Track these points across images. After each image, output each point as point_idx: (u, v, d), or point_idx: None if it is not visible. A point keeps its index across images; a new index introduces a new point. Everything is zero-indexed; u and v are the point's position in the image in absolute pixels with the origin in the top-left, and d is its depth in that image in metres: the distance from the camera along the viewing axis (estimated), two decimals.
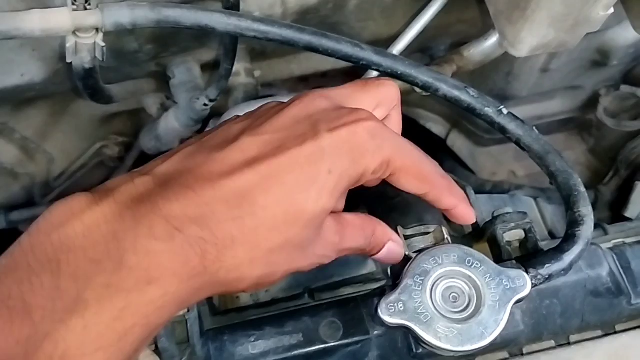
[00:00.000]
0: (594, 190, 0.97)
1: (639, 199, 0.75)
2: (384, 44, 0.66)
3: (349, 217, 0.39)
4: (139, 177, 0.34)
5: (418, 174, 0.39)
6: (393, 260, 0.41)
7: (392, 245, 0.41)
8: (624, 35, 0.81)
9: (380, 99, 0.41)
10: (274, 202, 0.34)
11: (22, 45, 0.56)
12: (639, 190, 0.76)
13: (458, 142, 1.09)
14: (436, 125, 1.10)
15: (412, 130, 1.08)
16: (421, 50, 0.84)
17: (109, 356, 0.30)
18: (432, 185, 0.40)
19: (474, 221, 0.42)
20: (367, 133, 0.37)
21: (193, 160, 0.35)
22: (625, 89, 0.91)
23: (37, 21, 0.44)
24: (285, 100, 0.40)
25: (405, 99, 1.07)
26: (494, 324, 0.38)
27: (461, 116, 1.04)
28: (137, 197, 0.33)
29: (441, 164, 1.17)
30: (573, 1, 0.43)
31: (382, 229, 0.41)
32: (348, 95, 0.40)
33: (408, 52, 0.81)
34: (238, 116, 0.41)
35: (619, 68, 0.90)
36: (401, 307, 0.38)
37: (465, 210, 0.42)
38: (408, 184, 0.39)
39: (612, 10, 0.45)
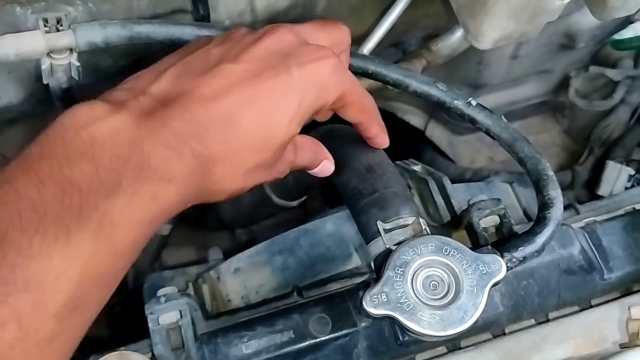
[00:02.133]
0: (570, 170, 0.99)
1: (610, 177, 0.77)
2: (354, 42, 0.67)
3: (301, 139, 0.46)
4: (141, 96, 0.39)
5: (361, 107, 0.46)
6: (326, 173, 0.48)
7: (327, 163, 0.48)
8: (588, 18, 0.82)
9: (334, 40, 0.47)
10: (255, 128, 0.40)
11: None
12: (610, 169, 0.78)
13: (436, 133, 1.11)
14: (414, 117, 1.11)
15: (391, 123, 1.10)
16: (394, 45, 0.86)
17: (144, 232, 0.36)
18: (368, 116, 0.47)
19: (387, 145, 0.50)
20: (331, 70, 0.42)
21: (182, 84, 0.40)
22: (594, 69, 0.93)
23: (10, 46, 0.45)
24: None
25: (382, 94, 1.09)
26: (473, 308, 0.40)
27: (439, 109, 1.05)
28: (146, 111, 0.38)
29: (421, 155, 1.18)
30: None
31: (321, 149, 0.48)
32: (309, 32, 0.46)
33: (381, 48, 0.83)
34: (210, 37, 0.46)
35: (586, 50, 0.92)
36: (384, 299, 0.40)
37: (384, 139, 0.50)
38: (351, 114, 0.46)
39: None
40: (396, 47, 0.86)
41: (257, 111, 0.40)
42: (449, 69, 0.93)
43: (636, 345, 0.38)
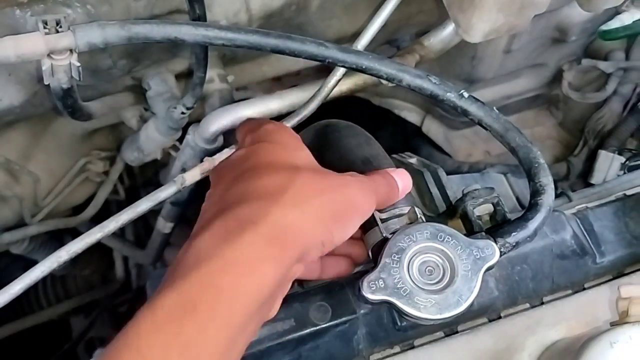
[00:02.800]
0: (566, 161, 1.01)
1: (602, 166, 0.78)
2: (349, 40, 0.69)
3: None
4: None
5: None
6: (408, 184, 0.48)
7: (400, 182, 0.48)
8: (579, 11, 0.83)
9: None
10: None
11: None
12: (603, 158, 0.79)
13: (433, 128, 1.13)
14: (410, 114, 1.13)
15: (388, 120, 1.12)
16: (388, 42, 0.87)
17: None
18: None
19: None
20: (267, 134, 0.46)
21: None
22: (586, 62, 0.94)
23: (11, 47, 0.46)
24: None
25: (378, 91, 1.10)
26: (467, 292, 0.41)
27: (433, 103, 1.07)
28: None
29: (418, 150, 1.19)
30: None
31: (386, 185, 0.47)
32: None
33: (375, 45, 0.84)
34: None
35: (578, 43, 0.93)
36: (382, 284, 0.41)
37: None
38: None
39: None
40: (391, 44, 0.88)
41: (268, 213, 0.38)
42: (444, 64, 0.95)
43: (625, 323, 0.39)
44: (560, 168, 0.99)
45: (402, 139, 1.17)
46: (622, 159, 0.78)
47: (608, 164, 0.80)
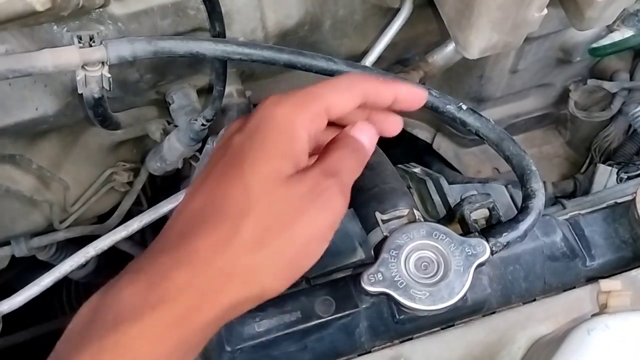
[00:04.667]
0: (572, 178, 1.03)
1: (601, 179, 0.81)
2: (360, 57, 0.73)
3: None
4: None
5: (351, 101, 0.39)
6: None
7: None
8: (582, 32, 0.87)
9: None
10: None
11: (35, 82, 0.63)
12: (600, 172, 0.82)
13: (443, 145, 1.16)
14: (422, 131, 1.17)
15: (401, 137, 1.16)
16: (399, 62, 0.91)
17: None
18: (365, 95, 0.40)
19: (425, 99, 0.44)
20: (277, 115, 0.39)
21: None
22: (592, 82, 0.97)
23: (49, 59, 0.51)
24: None
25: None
26: (460, 285, 0.44)
27: (444, 121, 1.10)
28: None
29: (429, 167, 1.23)
30: (508, 7, 0.50)
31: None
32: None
33: (387, 64, 0.88)
34: None
35: (583, 63, 0.96)
36: (380, 277, 0.45)
37: (409, 89, 0.41)
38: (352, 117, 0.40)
39: (545, 11, 0.52)
40: (402, 63, 0.92)
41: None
42: (453, 83, 0.99)
43: (604, 313, 0.42)
44: (567, 185, 1.02)
45: (414, 156, 1.21)
46: (616, 170, 0.81)
47: (606, 177, 0.83)
